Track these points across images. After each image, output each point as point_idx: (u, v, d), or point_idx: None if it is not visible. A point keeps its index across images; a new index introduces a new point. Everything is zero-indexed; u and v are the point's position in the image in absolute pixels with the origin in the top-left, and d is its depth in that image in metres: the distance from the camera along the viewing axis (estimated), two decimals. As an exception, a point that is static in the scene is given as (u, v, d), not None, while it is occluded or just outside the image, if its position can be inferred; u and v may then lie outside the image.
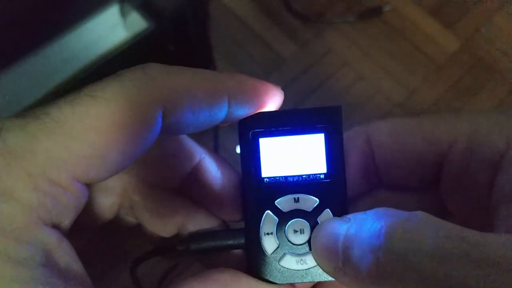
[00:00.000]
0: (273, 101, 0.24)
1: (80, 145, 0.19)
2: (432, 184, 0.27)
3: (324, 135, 0.24)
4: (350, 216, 0.22)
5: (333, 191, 0.24)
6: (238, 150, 0.24)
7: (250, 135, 0.24)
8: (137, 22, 0.55)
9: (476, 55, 0.70)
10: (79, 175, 0.19)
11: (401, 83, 0.68)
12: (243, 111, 0.23)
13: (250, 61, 0.70)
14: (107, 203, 0.25)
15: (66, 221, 0.20)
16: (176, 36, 0.57)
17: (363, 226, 0.20)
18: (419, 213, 0.19)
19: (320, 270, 0.23)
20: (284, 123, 0.24)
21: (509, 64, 0.69)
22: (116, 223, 0.26)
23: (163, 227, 0.26)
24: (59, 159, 0.18)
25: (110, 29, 0.54)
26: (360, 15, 0.71)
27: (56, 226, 0.19)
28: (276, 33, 0.70)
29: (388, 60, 0.69)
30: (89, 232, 0.25)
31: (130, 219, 0.26)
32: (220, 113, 0.22)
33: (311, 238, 0.23)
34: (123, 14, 0.55)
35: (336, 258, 0.21)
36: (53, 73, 0.50)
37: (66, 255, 0.19)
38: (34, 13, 0.45)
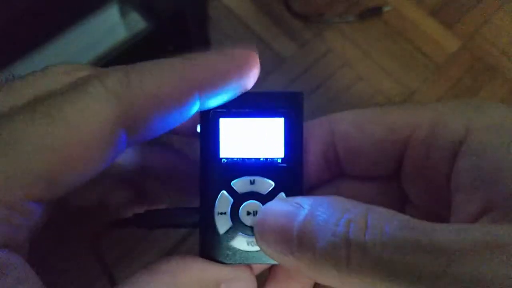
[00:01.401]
0: (250, 79, 0.23)
1: (33, 165, 0.18)
2: (394, 174, 0.27)
3: (284, 120, 0.24)
4: (298, 200, 0.21)
5: (289, 176, 0.24)
6: (198, 129, 0.24)
7: (210, 115, 0.24)
8: (137, 22, 0.55)
9: (476, 55, 0.70)
10: (33, 196, 0.18)
11: (401, 83, 0.68)
12: (217, 102, 0.23)
13: (250, 61, 0.70)
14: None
15: (20, 240, 0.19)
16: (176, 36, 0.57)
17: (323, 215, 0.20)
18: (374, 207, 0.20)
19: None
20: (245, 104, 0.24)
21: (509, 64, 0.69)
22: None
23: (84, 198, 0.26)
24: (11, 180, 0.18)
25: (109, 29, 0.53)
26: (360, 15, 0.71)
27: (7, 246, 0.18)
28: (276, 33, 0.70)
29: (388, 60, 0.69)
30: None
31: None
32: (192, 109, 0.22)
33: (255, 219, 0.22)
34: (123, 14, 0.55)
35: (288, 243, 0.20)
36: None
37: (17, 273, 0.18)
38: (33, 13, 0.45)
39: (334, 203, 0.20)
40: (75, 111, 0.18)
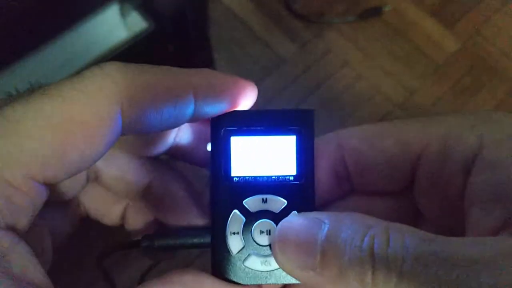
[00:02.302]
0: (245, 98, 0.23)
1: (34, 144, 0.18)
2: (406, 188, 0.26)
3: (296, 138, 0.24)
4: (317, 215, 0.21)
5: (301, 194, 0.24)
6: (208, 147, 0.24)
7: (221, 133, 0.24)
8: (137, 23, 0.55)
9: (476, 55, 0.70)
10: (35, 175, 0.19)
11: (401, 83, 0.68)
12: (212, 109, 0.23)
13: (250, 61, 0.70)
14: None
15: (22, 222, 0.19)
16: (176, 36, 0.57)
17: (347, 230, 0.20)
18: (392, 223, 0.20)
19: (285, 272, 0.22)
20: (256, 123, 0.24)
21: (509, 64, 0.69)
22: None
23: (106, 215, 0.27)
24: (12, 158, 0.18)
25: (110, 29, 0.54)
26: (360, 15, 0.71)
27: (11, 228, 0.18)
28: (276, 33, 0.70)
29: (388, 60, 0.69)
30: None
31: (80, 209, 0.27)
32: (186, 110, 0.22)
33: (274, 235, 0.22)
34: (123, 14, 0.55)
35: (312, 257, 0.20)
36: (52, 74, 0.50)
37: (21, 258, 0.18)
38: (34, 13, 0.45)
39: (357, 219, 0.20)
40: (71, 89, 0.19)
